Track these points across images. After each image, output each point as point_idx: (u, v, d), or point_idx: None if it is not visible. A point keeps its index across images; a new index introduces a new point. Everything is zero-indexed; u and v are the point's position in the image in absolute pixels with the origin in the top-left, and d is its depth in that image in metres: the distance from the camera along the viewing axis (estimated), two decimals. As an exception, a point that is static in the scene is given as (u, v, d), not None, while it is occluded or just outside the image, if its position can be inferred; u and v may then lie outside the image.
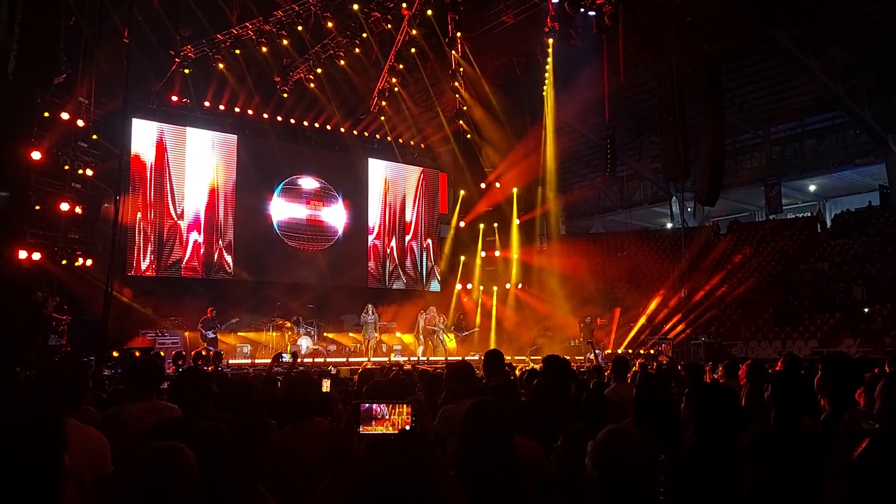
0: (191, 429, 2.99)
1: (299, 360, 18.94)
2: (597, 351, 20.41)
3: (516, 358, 19.93)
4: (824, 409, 4.33)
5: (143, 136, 21.84)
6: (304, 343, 21.63)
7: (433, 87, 26.49)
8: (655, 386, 4.92)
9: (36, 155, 14.91)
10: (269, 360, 12.57)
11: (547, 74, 25.44)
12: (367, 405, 2.33)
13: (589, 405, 5.38)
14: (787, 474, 2.99)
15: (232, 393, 4.79)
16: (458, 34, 22.61)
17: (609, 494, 2.30)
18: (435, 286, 28.90)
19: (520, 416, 4.47)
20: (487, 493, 2.75)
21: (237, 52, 22.20)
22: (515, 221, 28.01)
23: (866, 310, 23.23)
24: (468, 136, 26.88)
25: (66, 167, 16.58)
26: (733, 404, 3.81)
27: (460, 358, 18.72)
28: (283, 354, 10.90)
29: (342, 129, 26.39)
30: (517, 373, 10.49)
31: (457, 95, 25.73)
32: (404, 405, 2.31)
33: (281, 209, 24.78)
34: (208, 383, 4.48)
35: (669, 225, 37.53)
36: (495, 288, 27.41)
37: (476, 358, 13.65)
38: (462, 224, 28.90)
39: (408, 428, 2.28)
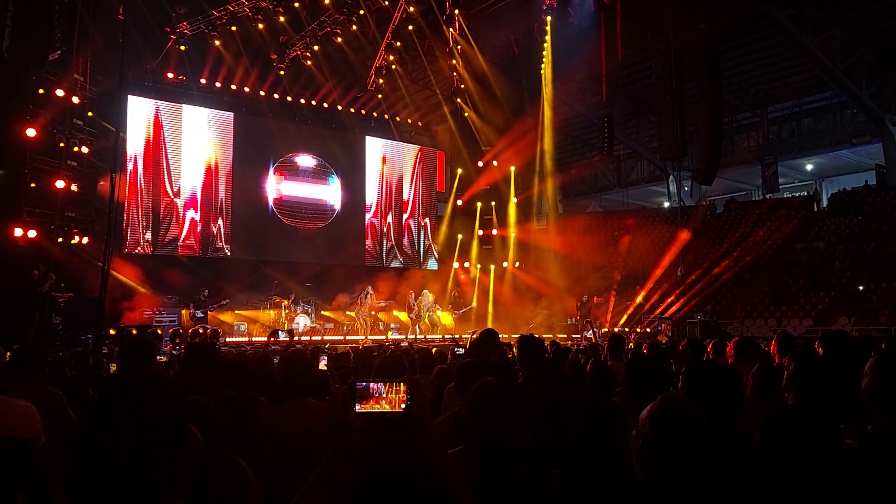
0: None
1: (296, 337, 19.04)
2: (594, 329, 20.52)
3: (513, 336, 19.99)
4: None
5: (139, 113, 21.72)
6: (302, 321, 21.72)
7: (430, 65, 26.41)
8: (647, 363, 4.94)
9: (31, 132, 14.87)
10: (265, 339, 12.62)
11: (545, 52, 25.36)
12: (364, 384, 2.35)
13: (596, 380, 5.38)
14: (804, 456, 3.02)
15: (225, 369, 4.80)
16: (456, 11, 22.53)
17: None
18: (432, 264, 28.92)
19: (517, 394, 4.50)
20: (495, 471, 2.79)
21: (233, 28, 22.09)
22: (513, 200, 28.01)
23: (861, 288, 23.32)
24: (465, 114, 26.83)
25: (62, 145, 16.50)
26: (732, 383, 3.80)
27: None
28: (280, 332, 10.93)
29: (339, 107, 26.29)
30: (514, 350, 10.51)
31: (454, 73, 25.67)
32: (400, 384, 2.34)
33: (278, 187, 24.72)
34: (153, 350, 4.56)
35: (666, 204, 37.53)
36: (493, 266, 27.46)
37: (472, 335, 13.72)
38: (459, 202, 28.89)
39: (404, 406, 2.30)
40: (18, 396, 3.69)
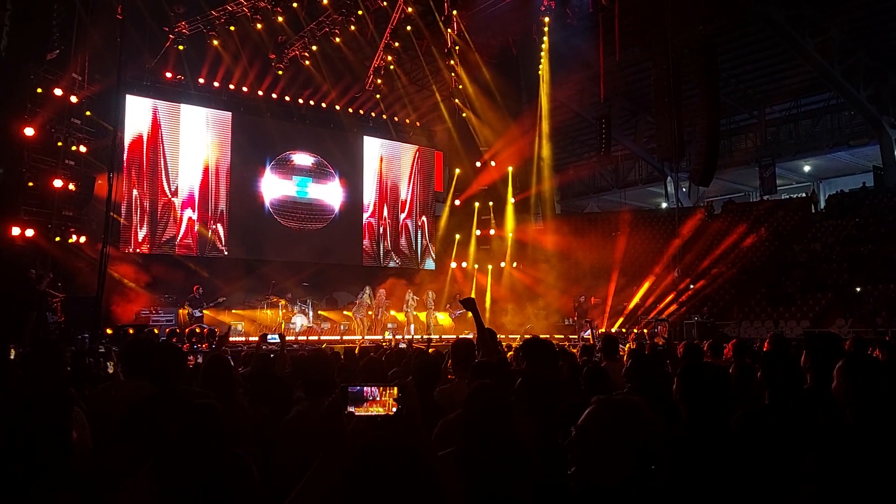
0: (172, 404, 3.03)
1: (292, 337, 19.05)
2: (591, 329, 20.51)
3: (510, 336, 20.02)
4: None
5: (137, 112, 21.73)
6: (299, 321, 21.70)
7: (429, 65, 26.43)
8: (648, 362, 4.94)
9: (29, 131, 14.87)
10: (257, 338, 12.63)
11: (543, 53, 25.38)
12: (357, 388, 2.37)
13: (591, 380, 5.37)
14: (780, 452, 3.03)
15: (208, 370, 4.80)
16: (454, 12, 22.52)
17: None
18: (430, 264, 28.94)
19: (513, 394, 4.51)
20: (491, 474, 2.81)
21: (232, 28, 22.12)
22: (510, 200, 28.05)
23: (858, 289, 23.34)
24: (463, 114, 26.85)
25: (60, 144, 16.52)
26: (725, 384, 3.80)
27: (455, 336, 18.79)
28: (268, 335, 10.97)
29: (337, 107, 26.29)
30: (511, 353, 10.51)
31: (452, 74, 25.67)
32: (393, 387, 2.36)
33: (275, 187, 24.72)
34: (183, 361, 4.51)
35: (664, 205, 37.53)
36: (490, 266, 27.49)
37: (471, 336, 13.78)
38: (457, 202, 28.93)
39: (395, 410, 2.33)
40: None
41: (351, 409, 2.33)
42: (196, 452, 2.73)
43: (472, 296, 25.02)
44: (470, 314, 5.82)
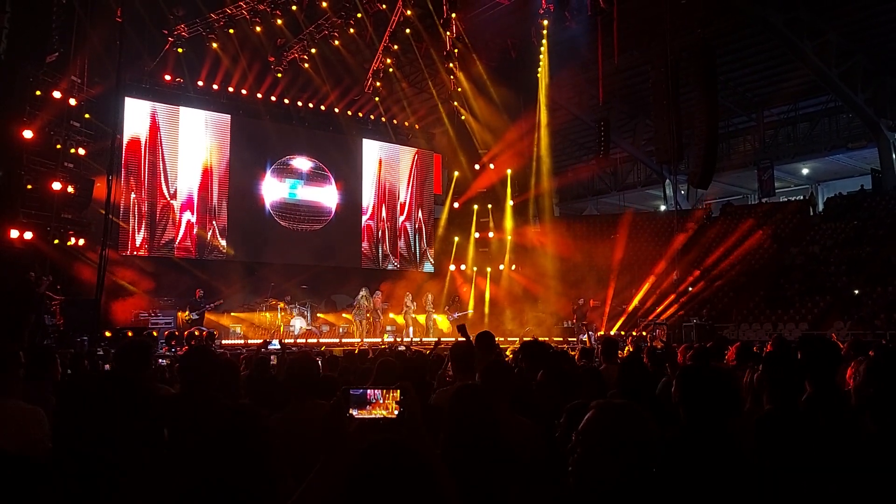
0: (197, 407, 3.01)
1: (290, 340, 19.03)
2: (589, 332, 20.52)
3: (508, 339, 20.01)
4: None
5: (136, 115, 21.74)
6: (298, 324, 21.69)
7: (427, 68, 26.43)
8: (639, 367, 4.94)
9: (28, 134, 14.82)
10: (260, 341, 12.66)
11: (541, 56, 25.38)
12: (360, 390, 2.38)
13: (589, 383, 5.37)
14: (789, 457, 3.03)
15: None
16: (453, 15, 22.53)
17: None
18: (428, 267, 28.95)
19: (515, 394, 4.50)
20: (474, 474, 2.81)
21: (231, 31, 22.12)
22: (509, 203, 28.04)
23: (856, 292, 23.35)
24: (462, 117, 26.86)
25: (59, 146, 16.47)
26: (729, 387, 3.78)
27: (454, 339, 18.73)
28: (269, 342, 11.04)
29: (336, 110, 26.32)
30: (509, 353, 10.51)
31: (451, 77, 25.67)
32: (396, 390, 2.37)
33: (274, 189, 24.72)
34: (214, 363, 4.49)
35: (663, 207, 37.56)
36: (489, 269, 27.48)
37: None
38: (456, 205, 28.94)
39: (397, 413, 2.33)
40: (32, 395, 3.76)
41: (353, 411, 2.33)
42: (229, 454, 2.70)
43: (471, 299, 25.19)
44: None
